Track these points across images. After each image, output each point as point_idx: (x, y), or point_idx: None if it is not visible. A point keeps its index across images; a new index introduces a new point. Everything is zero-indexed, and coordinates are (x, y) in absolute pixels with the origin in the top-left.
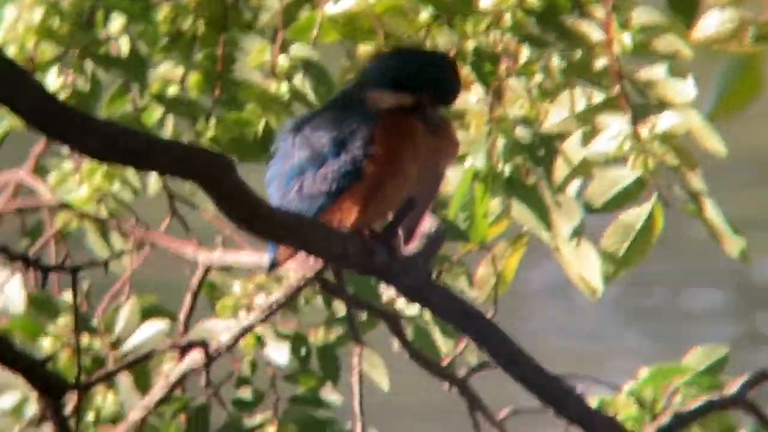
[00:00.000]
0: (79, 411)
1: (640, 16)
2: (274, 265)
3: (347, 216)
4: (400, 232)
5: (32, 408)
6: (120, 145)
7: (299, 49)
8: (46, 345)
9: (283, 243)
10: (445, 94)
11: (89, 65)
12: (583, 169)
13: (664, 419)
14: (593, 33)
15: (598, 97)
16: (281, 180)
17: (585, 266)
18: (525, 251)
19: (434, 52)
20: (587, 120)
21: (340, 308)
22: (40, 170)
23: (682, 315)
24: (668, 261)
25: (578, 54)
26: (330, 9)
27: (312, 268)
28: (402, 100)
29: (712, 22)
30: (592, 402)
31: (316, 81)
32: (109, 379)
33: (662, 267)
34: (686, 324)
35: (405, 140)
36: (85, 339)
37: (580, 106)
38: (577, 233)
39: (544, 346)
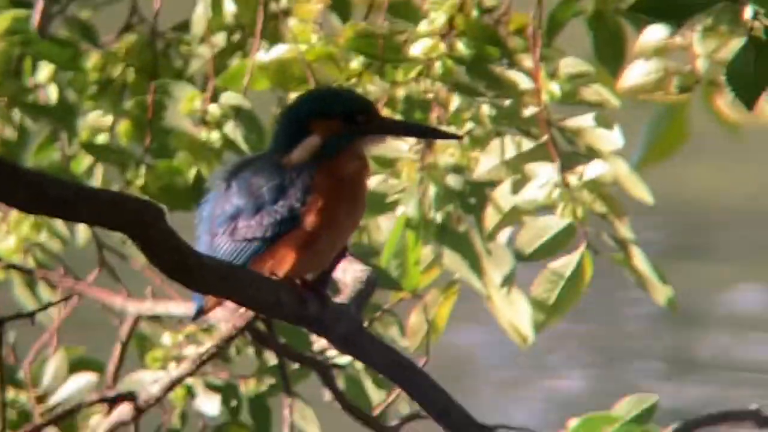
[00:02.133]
0: None
1: (568, 65)
2: (200, 313)
3: (281, 264)
4: (334, 280)
5: None
6: (48, 195)
7: (230, 97)
8: None
9: (215, 293)
10: (343, 105)
11: (17, 114)
12: (514, 217)
13: None
14: (522, 82)
15: (528, 145)
16: (213, 222)
17: (516, 314)
18: (457, 299)
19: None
20: (517, 168)
21: (271, 358)
22: None
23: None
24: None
25: (507, 102)
26: (261, 57)
27: (242, 317)
28: (310, 144)
29: (638, 72)
30: None
31: (248, 129)
32: None
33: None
34: (619, 362)
35: (342, 192)
36: (10, 392)
37: (510, 153)
38: (508, 281)
39: (477, 395)
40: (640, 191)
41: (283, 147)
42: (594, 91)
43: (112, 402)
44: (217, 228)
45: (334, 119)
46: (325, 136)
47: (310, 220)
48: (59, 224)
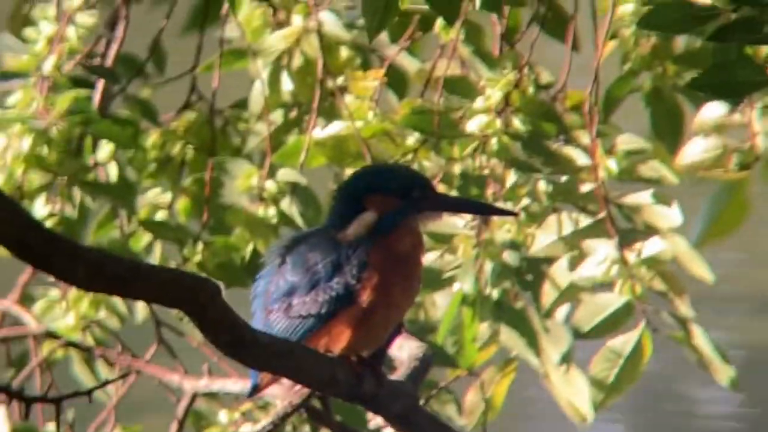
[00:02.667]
0: None
1: (625, 141)
2: (256, 390)
3: (336, 341)
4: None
5: None
6: (106, 273)
7: (287, 174)
8: None
9: (271, 370)
10: (399, 181)
11: (77, 192)
12: (571, 294)
13: None
14: (579, 158)
15: (585, 221)
16: (268, 298)
17: (574, 393)
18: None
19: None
20: (574, 244)
21: None
22: (26, 299)
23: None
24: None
25: (564, 178)
26: (317, 134)
27: (298, 394)
28: (365, 220)
29: (696, 149)
30: None
31: (304, 205)
32: None
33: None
34: None
35: (397, 268)
36: None
37: (567, 230)
38: (566, 359)
39: None
40: (701, 269)
41: (339, 222)
42: (651, 168)
43: None
44: (272, 304)
45: (390, 195)
46: (380, 212)
47: (365, 297)
48: (118, 302)
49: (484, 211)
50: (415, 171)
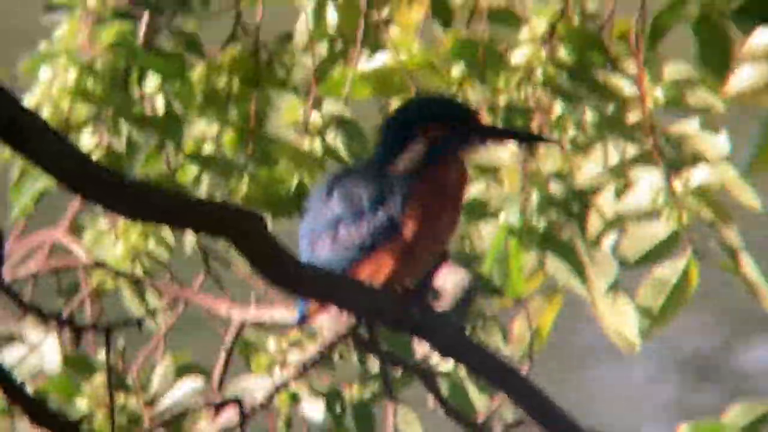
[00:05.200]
0: None
1: (672, 70)
2: (303, 320)
3: (380, 271)
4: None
5: None
6: (153, 205)
7: (332, 106)
8: (81, 405)
9: (317, 300)
10: (448, 112)
11: (124, 125)
12: (617, 224)
13: None
14: (625, 87)
15: (631, 151)
16: (314, 229)
17: (621, 321)
18: (564, 305)
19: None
20: (620, 174)
21: (374, 365)
22: (76, 230)
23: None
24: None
25: (611, 108)
26: (362, 66)
27: (345, 324)
28: (415, 150)
29: (745, 77)
30: None
31: (349, 137)
32: None
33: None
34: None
35: (441, 200)
36: (120, 398)
37: (614, 160)
38: (613, 288)
39: (584, 401)
40: (749, 197)
41: (388, 153)
42: (699, 97)
43: (219, 407)
44: (318, 235)
45: (439, 126)
46: (430, 142)
47: (409, 229)
48: (166, 232)
49: (528, 139)
50: (462, 101)
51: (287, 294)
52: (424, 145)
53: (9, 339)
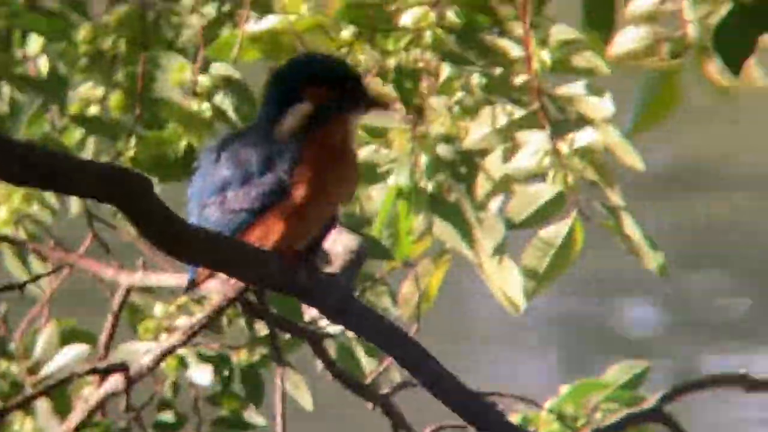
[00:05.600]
0: None
1: (558, 32)
2: (192, 285)
3: (269, 235)
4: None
5: None
6: (36, 167)
7: (220, 68)
8: None
9: (204, 264)
10: (336, 73)
11: (5, 86)
12: (504, 185)
13: None
14: (512, 50)
15: (518, 113)
16: (203, 193)
17: (507, 282)
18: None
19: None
20: (508, 136)
21: (263, 329)
22: None
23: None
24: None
25: (498, 71)
26: (251, 27)
27: (234, 288)
28: (301, 112)
29: (628, 38)
30: (515, 419)
31: (238, 99)
32: (27, 405)
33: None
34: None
35: (332, 163)
36: (2, 364)
37: (501, 122)
38: (500, 250)
39: (469, 361)
40: (632, 158)
41: (274, 112)
42: (584, 59)
43: (104, 373)
44: (207, 199)
45: (326, 87)
46: (316, 104)
47: (298, 192)
48: (50, 196)
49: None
50: (348, 63)
51: (175, 258)
52: (311, 105)
53: None
